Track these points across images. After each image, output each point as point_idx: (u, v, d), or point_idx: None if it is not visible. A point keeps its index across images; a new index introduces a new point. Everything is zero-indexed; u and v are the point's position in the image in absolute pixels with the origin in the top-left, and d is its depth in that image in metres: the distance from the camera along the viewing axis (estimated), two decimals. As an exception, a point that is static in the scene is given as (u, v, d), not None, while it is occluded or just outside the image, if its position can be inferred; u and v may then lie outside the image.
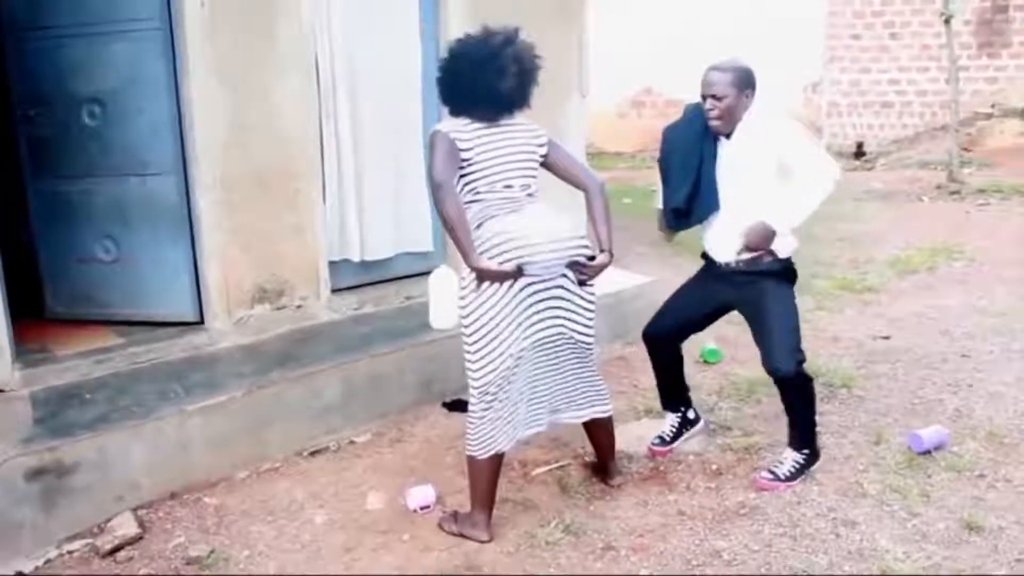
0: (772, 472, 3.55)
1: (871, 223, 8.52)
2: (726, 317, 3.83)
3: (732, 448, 3.86)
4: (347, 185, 4.78)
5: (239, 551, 3.21)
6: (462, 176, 3.12)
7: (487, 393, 3.15)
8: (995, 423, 4.00)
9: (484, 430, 3.16)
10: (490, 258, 3.03)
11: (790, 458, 3.55)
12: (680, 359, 3.84)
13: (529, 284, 3.12)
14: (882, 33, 13.33)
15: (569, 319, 3.26)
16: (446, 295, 4.23)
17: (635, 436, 3.89)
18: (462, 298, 3.16)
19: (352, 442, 4.06)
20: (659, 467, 3.72)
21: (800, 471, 3.53)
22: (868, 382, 4.52)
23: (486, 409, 3.15)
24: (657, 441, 3.85)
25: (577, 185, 3.33)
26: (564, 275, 3.20)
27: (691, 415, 3.95)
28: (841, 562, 3.00)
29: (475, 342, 3.12)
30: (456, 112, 3.20)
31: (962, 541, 3.09)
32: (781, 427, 4.01)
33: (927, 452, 3.70)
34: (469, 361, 3.16)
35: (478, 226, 3.12)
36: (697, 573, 2.99)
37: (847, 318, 5.53)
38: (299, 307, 4.62)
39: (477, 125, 3.14)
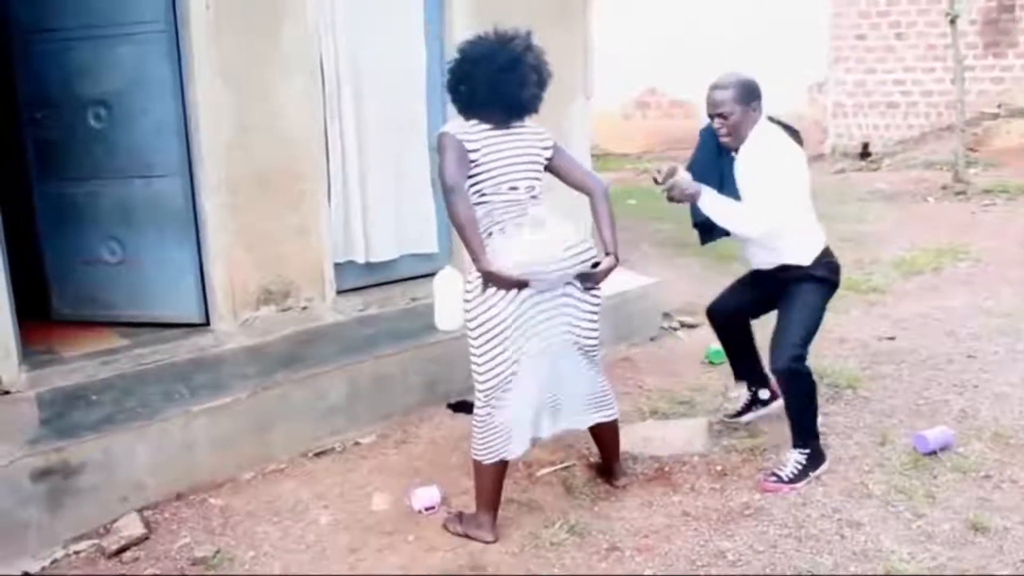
0: (775, 474, 3.55)
1: (876, 224, 8.50)
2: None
3: (737, 449, 3.86)
4: (352, 186, 4.79)
5: (244, 551, 3.22)
6: (468, 177, 3.11)
7: (492, 396, 3.15)
8: (1001, 424, 3.99)
9: (490, 435, 3.16)
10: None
11: (792, 459, 3.55)
12: (748, 336, 3.96)
13: (535, 290, 3.12)
14: (887, 33, 13.31)
15: (575, 324, 3.26)
16: (451, 297, 4.21)
17: (640, 437, 3.89)
18: (468, 301, 3.16)
19: (357, 443, 4.07)
20: (664, 468, 3.72)
21: (804, 472, 3.53)
22: (873, 383, 4.51)
23: (491, 413, 3.16)
24: (728, 414, 4.08)
25: (581, 189, 3.34)
26: (569, 282, 3.20)
27: (763, 395, 4.04)
28: (846, 563, 3.00)
29: (480, 345, 3.13)
30: (468, 115, 3.19)
31: (967, 542, 3.09)
32: (786, 428, 4.01)
33: (932, 453, 3.69)
34: (475, 364, 3.17)
35: (486, 235, 3.13)
36: (702, 574, 2.99)
37: (852, 319, 5.52)
38: (304, 308, 4.63)
39: (485, 127, 3.14)
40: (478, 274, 3.10)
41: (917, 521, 3.23)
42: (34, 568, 3.15)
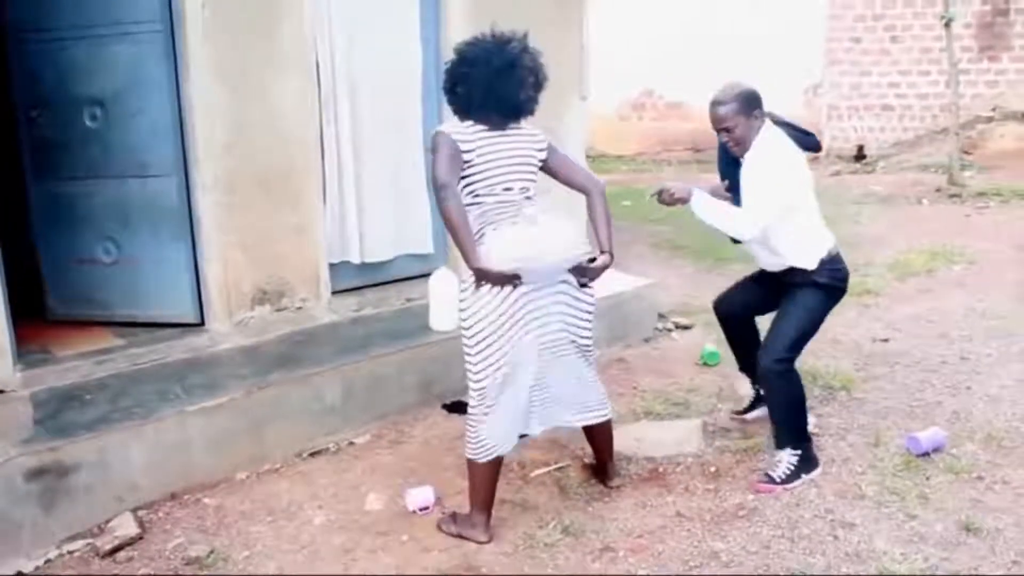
0: (768, 475, 3.56)
1: (871, 226, 8.52)
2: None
3: (731, 450, 3.87)
4: (347, 187, 4.79)
5: (238, 551, 3.22)
6: (462, 178, 3.12)
7: (487, 395, 3.16)
8: (993, 425, 4.00)
9: (484, 433, 3.17)
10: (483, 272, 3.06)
11: (784, 460, 3.56)
12: (752, 331, 4.00)
13: (529, 289, 3.13)
14: (883, 36, 13.33)
15: (569, 323, 3.27)
16: (446, 297, 4.25)
17: (633, 438, 3.89)
18: (462, 300, 3.17)
19: (352, 443, 4.07)
20: (657, 468, 3.73)
21: (796, 473, 3.54)
22: (867, 384, 4.53)
23: (486, 412, 3.16)
24: (736, 411, 4.14)
25: (578, 188, 3.35)
26: (564, 280, 3.21)
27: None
28: (839, 564, 3.01)
29: (475, 344, 3.14)
30: (464, 116, 3.19)
31: (960, 543, 3.10)
32: (780, 429, 4.03)
33: (925, 454, 3.70)
34: (469, 363, 3.17)
35: (479, 235, 3.13)
36: (695, 574, 3.00)
37: (846, 320, 5.53)
38: (299, 309, 4.64)
39: (480, 128, 3.14)
40: (471, 274, 3.10)
41: (910, 522, 3.24)
42: (28, 568, 3.15)
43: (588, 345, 3.36)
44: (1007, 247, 7.49)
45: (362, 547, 3.22)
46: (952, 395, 4.38)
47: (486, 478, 3.21)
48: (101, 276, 4.52)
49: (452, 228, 3.02)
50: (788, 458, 3.55)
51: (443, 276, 4.45)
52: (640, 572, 3.01)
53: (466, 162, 3.10)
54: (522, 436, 3.37)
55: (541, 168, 3.30)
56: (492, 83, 3.10)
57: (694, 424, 4.06)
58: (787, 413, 3.59)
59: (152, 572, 3.12)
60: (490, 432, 3.17)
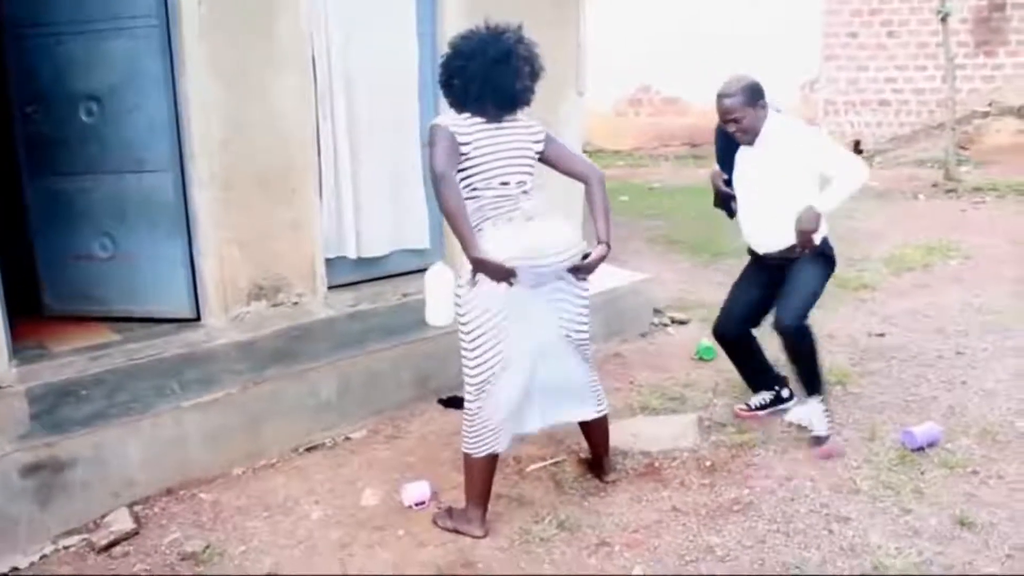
0: (817, 439, 3.79)
1: (867, 221, 8.53)
2: (718, 312, 3.88)
3: (726, 444, 3.88)
4: (344, 182, 4.79)
5: (235, 547, 3.22)
6: (460, 171, 3.12)
7: (483, 391, 3.16)
8: (988, 420, 4.02)
9: (480, 428, 3.18)
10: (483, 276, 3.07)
11: (817, 412, 3.81)
12: (756, 348, 4.13)
13: (525, 287, 3.12)
14: (879, 31, 13.34)
15: (565, 320, 3.26)
16: (443, 292, 4.22)
17: (630, 433, 3.90)
18: (459, 295, 3.18)
19: (348, 438, 4.07)
20: (653, 463, 3.74)
21: (828, 415, 3.82)
22: (863, 379, 4.54)
23: (481, 407, 3.17)
24: (744, 407, 4.17)
25: (577, 177, 3.35)
26: (560, 278, 3.20)
27: (785, 393, 4.17)
28: (834, 558, 3.02)
29: (471, 340, 3.14)
30: (461, 109, 3.18)
31: (954, 537, 3.11)
32: (775, 424, 4.05)
33: (920, 449, 3.71)
34: (465, 358, 3.18)
35: (477, 230, 3.13)
36: (691, 569, 3.01)
37: (842, 315, 5.55)
38: (296, 304, 4.64)
39: (477, 121, 3.14)
40: (469, 269, 3.11)
41: (904, 516, 3.25)
42: (23, 563, 3.15)
43: (584, 341, 3.36)
44: (1003, 242, 7.51)
45: (358, 542, 3.23)
46: (947, 390, 4.39)
47: (482, 473, 3.21)
48: (97, 272, 4.52)
49: (451, 218, 3.00)
50: (818, 408, 3.81)
51: (439, 271, 4.42)
52: (636, 567, 3.02)
53: (463, 155, 3.09)
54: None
55: (540, 159, 3.30)
56: (488, 74, 3.09)
57: (690, 419, 4.07)
58: (812, 364, 3.83)
59: (148, 567, 3.12)
60: (487, 427, 3.17)
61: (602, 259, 3.25)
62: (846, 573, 2.94)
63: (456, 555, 3.11)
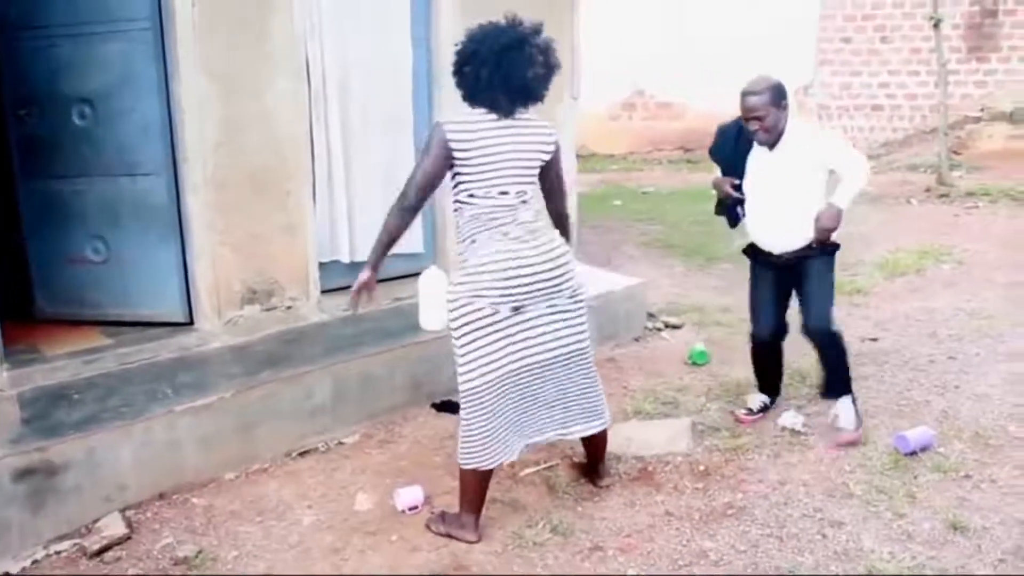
0: (841, 429, 3.89)
1: (860, 225, 8.53)
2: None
3: (719, 449, 3.88)
4: (337, 186, 4.79)
5: (227, 551, 3.21)
6: (457, 174, 3.09)
7: (476, 398, 3.14)
8: (981, 424, 4.03)
9: (477, 442, 3.15)
10: (473, 292, 3.08)
11: (846, 406, 3.92)
12: (781, 355, 4.24)
13: (517, 309, 3.13)
14: (872, 37, 13.38)
15: (562, 335, 3.24)
16: (436, 296, 4.21)
17: (623, 437, 3.90)
18: (451, 302, 3.16)
19: (341, 443, 4.06)
20: (647, 468, 3.74)
21: (858, 418, 3.92)
22: (855, 383, 4.52)
23: (476, 416, 3.14)
24: (744, 411, 4.19)
25: (552, 207, 3.35)
26: (556, 294, 3.19)
27: (775, 398, 4.29)
28: (827, 562, 3.02)
29: (463, 344, 3.13)
30: (473, 102, 3.11)
31: (947, 541, 3.12)
32: (768, 428, 4.05)
33: (913, 453, 3.72)
34: (458, 362, 3.17)
35: (470, 239, 3.13)
36: (684, 573, 3.01)
37: (836, 319, 5.55)
38: (289, 308, 4.63)
39: (487, 120, 3.07)
40: (460, 280, 3.11)
41: (898, 521, 3.26)
42: (15, 568, 3.13)
43: (583, 350, 3.32)
44: (995, 247, 7.53)
45: (351, 547, 3.22)
46: (940, 394, 4.40)
47: (477, 481, 3.20)
48: (90, 275, 4.50)
49: (381, 231, 3.20)
50: (848, 405, 3.92)
51: (433, 275, 4.42)
52: (629, 571, 3.02)
53: (462, 160, 3.05)
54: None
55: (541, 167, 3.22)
56: (500, 59, 3.01)
57: (683, 423, 4.07)
58: (843, 364, 3.95)
59: (140, 572, 3.11)
60: (482, 441, 3.14)
61: None
62: (839, 578, 2.95)
63: (449, 560, 3.10)
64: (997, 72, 12.80)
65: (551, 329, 3.20)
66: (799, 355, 4.49)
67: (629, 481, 3.64)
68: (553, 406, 3.31)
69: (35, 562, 3.18)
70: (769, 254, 3.98)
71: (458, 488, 3.27)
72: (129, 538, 3.28)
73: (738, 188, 3.97)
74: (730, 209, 4.08)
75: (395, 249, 4.99)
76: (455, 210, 3.19)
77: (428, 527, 3.29)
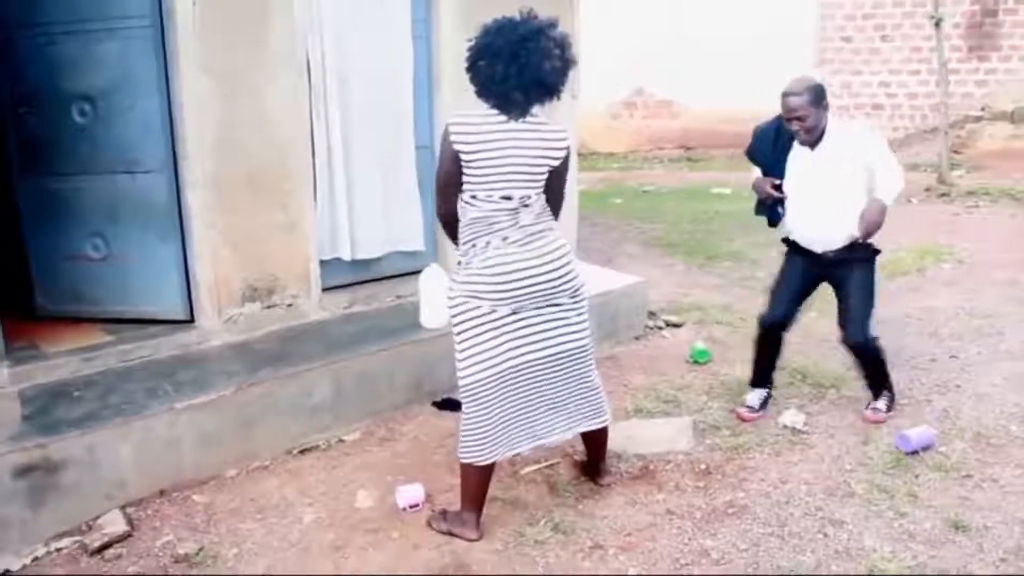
0: (875, 408, 4.11)
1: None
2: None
3: (721, 448, 3.88)
4: (338, 184, 4.78)
5: (228, 549, 3.21)
6: (462, 174, 3.07)
7: (475, 394, 3.14)
8: (982, 424, 4.03)
9: (476, 437, 3.15)
10: (471, 293, 3.09)
11: (883, 401, 4.14)
12: (781, 346, 4.27)
13: (516, 309, 3.12)
14: (873, 36, 13.39)
15: (564, 336, 3.23)
16: (437, 294, 4.21)
17: (624, 435, 3.90)
18: (451, 299, 3.16)
19: (342, 440, 4.06)
20: (648, 466, 3.73)
21: (890, 406, 4.14)
22: (857, 383, 4.52)
23: (475, 412, 3.14)
24: (745, 409, 4.21)
25: (553, 209, 3.26)
26: (551, 300, 3.18)
27: (772, 392, 4.36)
28: (828, 561, 3.02)
29: (464, 340, 3.13)
30: (486, 97, 3.05)
31: (948, 541, 3.12)
32: (769, 427, 4.05)
33: (915, 452, 3.72)
34: (458, 360, 3.17)
35: (471, 244, 3.12)
36: (685, 572, 3.01)
37: (830, 322, 5.54)
38: (289, 306, 4.62)
39: (495, 120, 3.02)
40: (460, 280, 3.11)
41: (899, 520, 3.25)
42: (15, 565, 3.13)
43: (584, 348, 3.31)
44: (996, 246, 7.53)
45: (352, 544, 3.22)
46: (941, 393, 4.40)
47: (479, 478, 3.20)
48: (90, 273, 4.50)
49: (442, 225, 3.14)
50: (886, 402, 4.15)
51: (434, 273, 4.42)
52: (630, 570, 3.02)
53: (465, 162, 3.02)
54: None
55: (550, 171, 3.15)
56: (516, 52, 2.94)
57: (684, 422, 4.07)
58: (883, 372, 4.12)
59: (141, 570, 3.11)
60: (483, 437, 3.14)
61: None
62: (841, 576, 2.94)
63: (450, 558, 3.10)
64: (998, 71, 12.81)
65: (551, 327, 3.19)
66: (799, 354, 4.50)
67: (630, 480, 3.64)
68: (557, 405, 3.30)
69: (36, 559, 3.17)
70: (810, 252, 4.03)
71: (459, 486, 3.27)
72: (130, 535, 3.28)
73: (778, 188, 4.01)
74: (770, 209, 4.12)
75: (396, 246, 5.06)
76: (459, 209, 3.17)
77: (429, 525, 3.29)
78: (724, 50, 12.42)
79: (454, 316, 3.15)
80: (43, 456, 3.27)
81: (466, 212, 3.12)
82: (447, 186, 3.11)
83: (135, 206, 4.38)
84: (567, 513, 3.37)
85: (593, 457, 3.60)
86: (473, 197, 3.09)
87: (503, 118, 3.03)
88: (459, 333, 3.14)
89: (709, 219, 9.09)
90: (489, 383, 3.13)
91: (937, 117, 10.99)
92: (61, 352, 4.12)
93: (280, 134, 4.46)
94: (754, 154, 4.19)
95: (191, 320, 4.44)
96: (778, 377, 4.55)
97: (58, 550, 3.22)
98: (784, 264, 4.19)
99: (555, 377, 3.26)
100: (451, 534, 3.22)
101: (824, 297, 4.32)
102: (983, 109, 12.77)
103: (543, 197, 3.17)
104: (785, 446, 3.88)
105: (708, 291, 6.47)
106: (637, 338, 5.39)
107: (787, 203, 4.02)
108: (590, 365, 3.37)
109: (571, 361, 3.28)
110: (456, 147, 3.02)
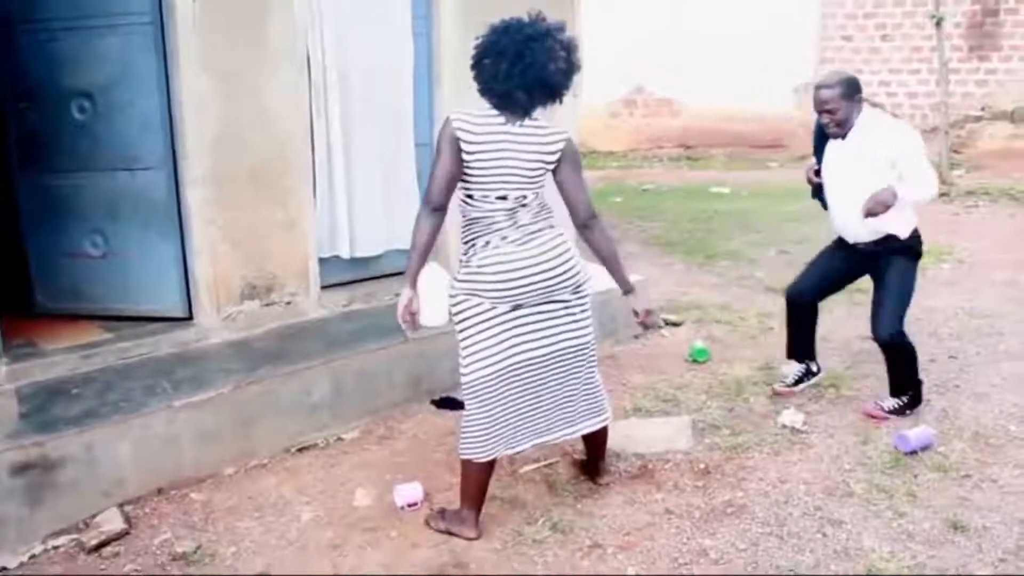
0: (878, 404, 4.10)
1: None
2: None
3: (720, 447, 3.87)
4: (337, 181, 4.77)
5: (226, 547, 3.20)
6: (463, 169, 3.05)
7: (476, 391, 3.14)
8: (981, 423, 4.02)
9: (477, 434, 3.14)
10: (470, 291, 3.09)
11: (892, 401, 4.10)
12: (816, 317, 4.34)
13: (517, 306, 3.12)
14: (873, 35, 13.38)
15: (566, 334, 3.22)
16: (436, 293, 4.21)
17: (623, 435, 3.89)
18: (452, 296, 3.16)
19: (340, 439, 4.06)
20: (647, 465, 3.73)
21: (901, 411, 4.08)
22: (856, 382, 4.54)
23: (476, 408, 3.14)
24: (780, 384, 4.38)
25: (571, 210, 3.19)
26: (552, 297, 3.16)
27: (814, 367, 4.43)
28: (827, 561, 3.02)
29: (466, 338, 3.13)
30: (489, 95, 3.03)
31: (947, 541, 3.11)
32: (769, 427, 4.05)
33: (914, 452, 3.72)
34: (461, 357, 3.16)
35: (470, 243, 3.12)
36: (684, 571, 3.00)
37: (836, 318, 5.54)
38: (288, 303, 4.62)
39: (492, 122, 3.01)
40: (460, 278, 3.10)
41: (898, 520, 3.25)
42: (12, 563, 3.12)
43: (585, 345, 3.29)
44: (995, 246, 7.53)
45: (351, 543, 3.21)
46: (940, 393, 4.39)
47: (479, 476, 3.19)
48: (89, 270, 4.49)
49: (412, 247, 3.11)
50: (896, 401, 4.10)
51: (434, 271, 4.41)
52: (629, 569, 3.01)
53: (466, 161, 3.01)
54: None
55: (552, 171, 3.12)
56: (522, 51, 2.93)
57: (683, 421, 4.06)
58: (908, 370, 4.08)
59: (138, 568, 3.10)
60: (484, 433, 3.14)
61: (648, 311, 3.37)
62: (839, 576, 2.94)
63: (449, 556, 3.09)
64: (998, 71, 12.80)
65: (552, 324, 3.19)
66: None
67: (629, 479, 3.64)
68: (559, 403, 3.29)
69: (33, 557, 3.16)
70: (845, 242, 4.13)
71: (458, 484, 3.27)
72: (127, 533, 3.28)
73: (819, 174, 4.12)
74: (820, 195, 4.22)
75: (396, 244, 5.05)
76: (458, 207, 3.17)
77: (427, 524, 3.28)
78: (724, 49, 12.42)
79: (456, 314, 3.15)
80: (40, 454, 3.26)
81: (465, 211, 3.12)
82: (449, 185, 3.05)
83: (134, 203, 4.37)
84: (566, 512, 3.37)
85: (592, 456, 3.59)
86: (469, 196, 3.09)
87: (502, 120, 3.03)
88: (461, 331, 3.14)
89: (708, 218, 9.09)
90: (491, 379, 3.12)
91: (937, 116, 10.99)
92: (59, 349, 4.11)
93: (280, 131, 4.46)
94: (814, 145, 4.28)
95: (190, 318, 4.43)
96: (777, 377, 4.56)
97: (55, 548, 3.21)
98: (826, 246, 4.29)
99: (557, 374, 3.25)
100: (449, 533, 3.21)
101: (827, 297, 4.33)
102: (983, 109, 12.77)
103: (541, 196, 3.16)
104: (784, 445, 3.88)
105: (707, 290, 6.47)
106: (636, 337, 5.38)
107: (824, 191, 4.13)
108: (592, 362, 3.36)
109: (573, 358, 3.27)
110: (461, 145, 2.99)
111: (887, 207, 3.78)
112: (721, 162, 13.15)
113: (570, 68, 3.05)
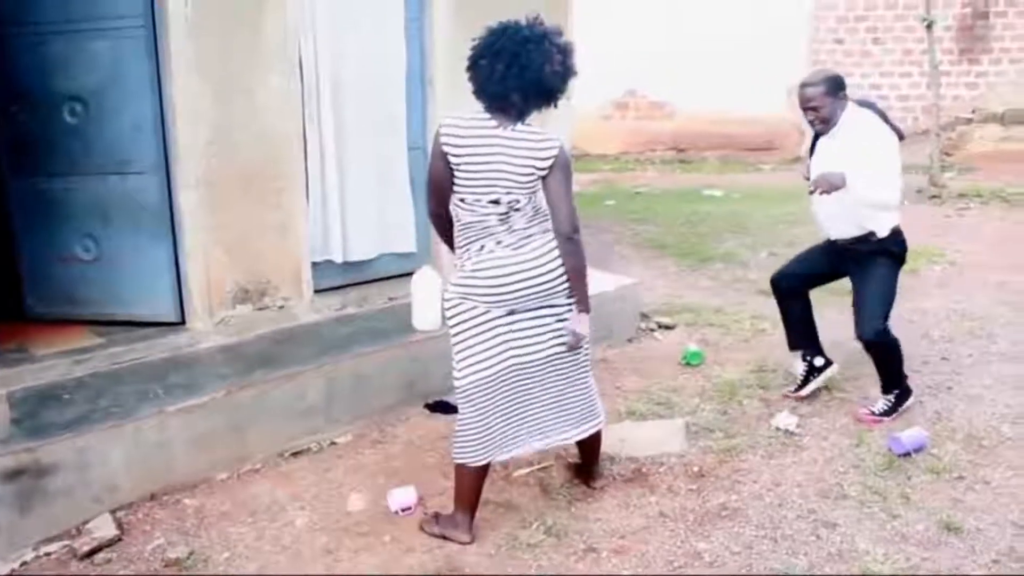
0: (868, 408, 4.13)
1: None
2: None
3: (714, 450, 3.87)
4: (330, 185, 4.76)
5: (219, 553, 3.19)
6: (452, 177, 3.07)
7: (471, 395, 3.13)
8: (974, 425, 4.03)
9: (471, 438, 3.14)
10: (465, 295, 3.09)
11: (882, 399, 4.13)
12: (808, 305, 4.38)
13: (511, 311, 3.12)
14: (865, 38, 13.42)
15: (555, 336, 3.21)
16: (429, 296, 4.22)
17: (617, 438, 3.89)
18: (446, 300, 3.15)
19: (334, 443, 4.05)
20: (641, 469, 3.73)
21: (892, 409, 4.10)
22: (848, 384, 4.54)
23: (469, 412, 3.14)
24: (791, 390, 4.39)
25: (553, 218, 3.10)
26: (552, 300, 3.16)
27: (818, 362, 4.41)
28: (821, 563, 3.02)
29: (459, 342, 3.13)
30: (483, 97, 3.02)
31: (941, 542, 3.12)
32: (762, 429, 4.05)
33: (907, 454, 3.72)
34: (454, 361, 3.16)
35: (464, 249, 3.13)
36: (678, 575, 3.00)
37: (828, 320, 5.52)
38: (281, 308, 4.61)
39: (483, 126, 3.01)
40: (455, 282, 3.10)
41: (891, 522, 3.25)
42: (3, 570, 3.11)
43: (579, 349, 3.28)
44: (987, 248, 7.55)
45: (344, 548, 3.20)
46: (933, 395, 4.40)
47: (472, 481, 3.19)
48: (81, 274, 4.47)
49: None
50: (885, 399, 4.12)
51: (426, 275, 4.43)
52: (623, 573, 3.01)
53: (454, 166, 3.02)
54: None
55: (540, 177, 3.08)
56: (518, 52, 2.93)
57: (677, 424, 4.06)
58: (893, 366, 4.11)
59: (131, 574, 3.08)
60: (477, 438, 3.13)
61: (580, 336, 3.16)
62: (834, 579, 2.94)
63: (443, 561, 3.09)
64: (988, 74, 12.86)
65: (546, 329, 3.19)
66: (789, 355, 4.50)
67: (623, 482, 3.63)
68: (552, 407, 3.29)
69: (24, 564, 3.15)
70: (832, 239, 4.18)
71: (451, 489, 3.26)
72: (120, 539, 3.26)
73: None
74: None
75: (388, 248, 5.05)
76: (452, 212, 3.17)
77: (421, 528, 3.28)
78: (717, 52, 12.43)
79: (450, 318, 3.15)
80: (32, 460, 3.25)
81: (459, 216, 3.12)
82: (439, 190, 3.11)
83: (126, 207, 4.36)
84: (560, 516, 3.36)
85: (586, 460, 3.59)
86: (462, 200, 3.09)
87: (494, 123, 3.02)
88: (455, 335, 3.13)
89: (701, 221, 9.09)
90: (484, 384, 3.12)
91: (928, 119, 11.02)
92: (51, 354, 4.10)
93: (273, 135, 4.45)
94: (811, 144, 4.35)
95: (182, 322, 4.42)
96: (771, 379, 4.57)
97: (47, 555, 3.20)
98: (820, 243, 4.34)
99: (550, 378, 3.25)
100: (443, 537, 3.20)
101: (812, 298, 4.34)
102: (974, 111, 12.82)
103: (536, 201, 3.15)
104: (778, 448, 3.88)
105: (700, 293, 6.47)
106: (630, 340, 5.38)
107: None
108: (586, 367, 3.36)
109: (566, 363, 3.27)
110: (445, 149, 3.02)
111: (833, 188, 3.81)
112: (714, 165, 13.16)
113: (566, 72, 3.05)
